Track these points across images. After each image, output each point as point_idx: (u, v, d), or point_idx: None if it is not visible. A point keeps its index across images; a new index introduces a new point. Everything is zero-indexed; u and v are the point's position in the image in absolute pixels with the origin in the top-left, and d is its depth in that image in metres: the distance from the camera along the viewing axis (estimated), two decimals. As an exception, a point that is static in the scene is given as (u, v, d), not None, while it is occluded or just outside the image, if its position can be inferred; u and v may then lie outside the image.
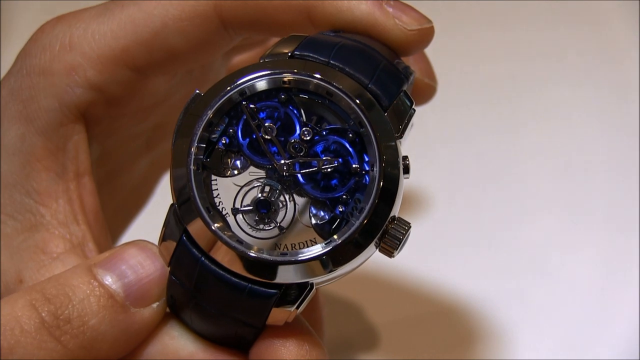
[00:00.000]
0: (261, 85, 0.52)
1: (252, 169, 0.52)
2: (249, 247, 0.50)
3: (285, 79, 0.51)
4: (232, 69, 0.71)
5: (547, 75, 1.03)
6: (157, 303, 0.53)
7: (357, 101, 0.50)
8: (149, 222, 0.74)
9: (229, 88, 0.51)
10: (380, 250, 0.51)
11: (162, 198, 0.75)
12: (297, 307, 0.51)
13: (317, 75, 0.51)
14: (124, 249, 0.53)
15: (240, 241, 0.50)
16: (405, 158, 0.51)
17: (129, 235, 0.74)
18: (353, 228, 0.50)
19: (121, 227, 0.74)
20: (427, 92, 0.65)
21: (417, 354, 0.80)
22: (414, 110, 0.53)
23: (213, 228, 0.50)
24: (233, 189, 0.52)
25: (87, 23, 0.58)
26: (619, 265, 0.85)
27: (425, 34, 0.56)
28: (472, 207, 0.92)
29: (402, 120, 0.52)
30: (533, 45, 1.06)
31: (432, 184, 0.93)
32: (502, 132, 0.98)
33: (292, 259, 0.50)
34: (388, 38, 0.55)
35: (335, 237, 0.50)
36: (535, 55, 1.05)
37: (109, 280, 0.52)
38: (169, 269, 0.53)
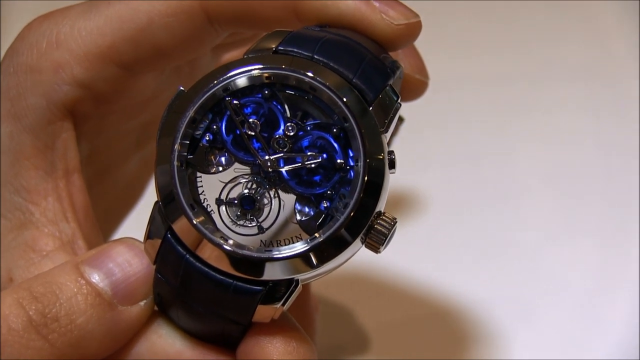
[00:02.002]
0: (244, 81, 0.51)
1: (237, 165, 0.52)
2: (233, 243, 0.50)
3: (268, 75, 0.51)
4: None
5: (547, 79, 1.03)
6: (145, 301, 0.53)
7: (341, 96, 0.50)
8: (141, 220, 0.74)
9: (212, 84, 0.51)
10: (366, 246, 0.51)
11: (153, 196, 0.76)
12: (283, 304, 0.51)
13: (300, 71, 0.51)
14: (111, 247, 0.53)
15: (224, 238, 0.50)
16: (390, 153, 0.50)
17: (120, 234, 0.73)
18: (338, 224, 0.49)
19: (113, 226, 0.73)
20: (418, 87, 0.65)
21: (411, 357, 0.80)
22: (400, 105, 0.52)
23: (194, 222, 0.50)
24: (218, 186, 0.52)
25: (73, 20, 0.57)
26: (615, 267, 0.85)
27: (413, 29, 0.55)
28: (468, 208, 0.92)
29: (387, 114, 0.51)
30: (530, 56, 1.07)
31: (428, 185, 0.93)
32: (500, 135, 0.99)
33: (277, 255, 0.49)
34: (375, 32, 0.55)
35: (319, 233, 0.50)
36: (536, 59, 1.06)
37: (96, 278, 0.51)
38: (154, 266, 0.52)
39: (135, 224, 0.72)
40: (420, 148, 0.95)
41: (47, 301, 0.50)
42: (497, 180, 0.94)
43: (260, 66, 0.51)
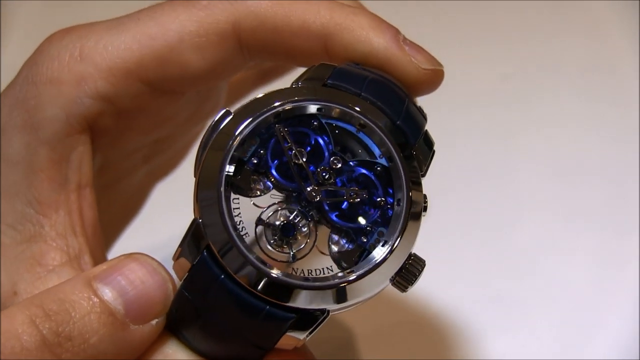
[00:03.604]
0: (295, 110, 0.52)
1: (273, 191, 0.52)
2: (272, 268, 0.50)
3: (319, 106, 0.52)
4: (232, 85, 0.71)
5: (543, 80, 1.04)
6: (157, 320, 0.52)
7: (390, 136, 0.52)
8: (142, 230, 0.75)
9: (264, 109, 0.52)
10: (393, 284, 0.52)
11: (154, 209, 0.76)
12: (310, 333, 0.51)
13: (352, 106, 0.52)
14: (124, 263, 0.52)
15: (263, 262, 0.50)
16: (424, 197, 0.52)
17: (120, 243, 0.74)
18: (376, 262, 0.50)
19: (114, 236, 0.73)
20: (437, 77, 0.65)
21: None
22: (434, 151, 0.54)
23: (239, 245, 0.50)
24: (254, 210, 0.52)
25: (99, 35, 0.57)
26: (612, 267, 0.86)
27: (437, 76, 0.56)
28: (465, 210, 0.92)
29: (425, 159, 0.53)
30: (531, 51, 1.07)
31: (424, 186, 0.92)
32: (495, 137, 0.99)
33: (316, 284, 0.50)
34: (403, 74, 0.56)
35: (357, 268, 0.51)
36: (532, 61, 1.06)
37: (109, 295, 0.51)
38: (180, 283, 0.52)
39: (137, 233, 0.74)
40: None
41: (61, 320, 0.49)
42: (495, 184, 0.94)
43: (313, 97, 0.52)
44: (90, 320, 0.49)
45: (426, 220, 0.89)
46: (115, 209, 0.71)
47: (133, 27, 0.56)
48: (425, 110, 0.67)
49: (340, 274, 0.51)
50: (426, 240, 0.85)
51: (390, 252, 0.50)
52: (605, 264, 0.86)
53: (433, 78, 0.56)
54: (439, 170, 0.93)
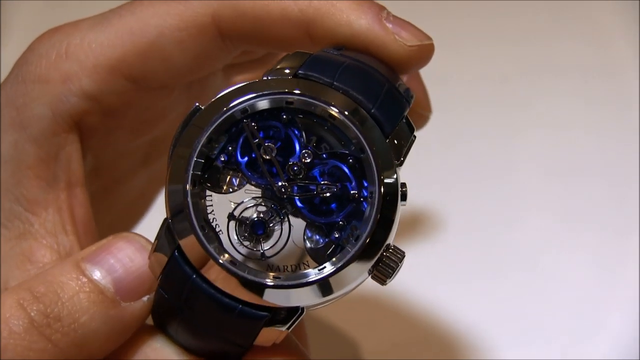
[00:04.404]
0: (264, 104, 0.51)
1: (248, 187, 0.52)
2: (243, 268, 0.50)
3: (289, 100, 0.51)
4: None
5: (543, 81, 1.04)
6: (148, 296, 0.52)
7: (360, 127, 0.50)
8: (147, 234, 0.74)
9: (231, 105, 0.51)
10: (372, 278, 0.51)
11: (158, 213, 0.75)
12: (287, 329, 0.50)
13: (321, 98, 0.51)
14: (111, 242, 0.53)
15: (233, 262, 0.50)
16: (403, 185, 0.51)
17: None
18: (349, 256, 0.49)
19: None
20: (419, 122, 0.65)
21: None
22: (415, 137, 0.52)
23: (205, 244, 0.49)
24: (228, 206, 0.51)
25: (84, 32, 0.58)
26: (612, 267, 0.86)
27: (425, 51, 0.55)
28: (465, 210, 0.92)
29: (403, 147, 0.51)
30: (531, 53, 1.07)
31: (424, 189, 0.92)
32: (496, 137, 0.99)
33: (286, 283, 0.49)
34: (387, 54, 0.55)
35: (330, 263, 0.50)
36: (533, 62, 1.06)
37: (97, 275, 0.51)
38: (157, 281, 0.52)
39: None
40: (416, 152, 0.95)
41: (49, 301, 0.49)
42: (495, 186, 0.94)
43: (281, 90, 0.51)
44: (79, 300, 0.50)
45: (426, 221, 0.90)
46: (117, 212, 0.71)
47: (115, 23, 0.57)
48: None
49: (313, 271, 0.50)
50: (426, 241, 0.86)
51: (364, 245, 0.49)
52: (605, 264, 0.86)
53: (420, 54, 0.55)
54: (440, 171, 0.94)
